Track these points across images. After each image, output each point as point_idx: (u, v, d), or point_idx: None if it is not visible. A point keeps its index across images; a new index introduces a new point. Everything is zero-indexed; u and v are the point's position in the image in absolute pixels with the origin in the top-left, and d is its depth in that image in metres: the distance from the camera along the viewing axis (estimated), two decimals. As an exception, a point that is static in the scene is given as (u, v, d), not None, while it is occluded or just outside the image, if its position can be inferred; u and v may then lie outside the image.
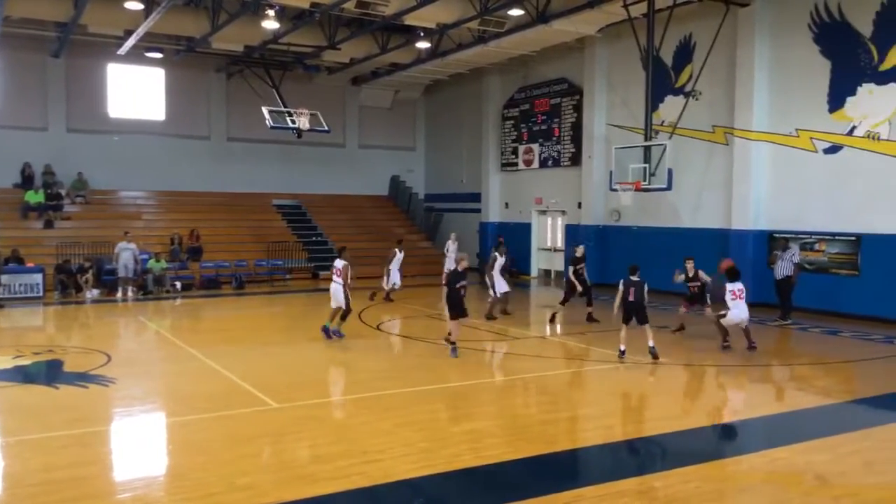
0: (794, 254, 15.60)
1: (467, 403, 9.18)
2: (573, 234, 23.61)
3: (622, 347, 11.71)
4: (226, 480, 6.34)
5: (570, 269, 15.77)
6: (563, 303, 15.65)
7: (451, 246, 22.32)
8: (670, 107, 19.91)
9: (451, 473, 6.63)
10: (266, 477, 6.49)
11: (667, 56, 19.88)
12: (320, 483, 6.31)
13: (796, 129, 17.29)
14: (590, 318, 15.42)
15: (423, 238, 28.86)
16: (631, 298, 11.68)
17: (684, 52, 19.87)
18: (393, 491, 6.24)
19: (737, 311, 12.07)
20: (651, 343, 11.63)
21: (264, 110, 23.40)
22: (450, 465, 6.80)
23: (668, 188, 17.62)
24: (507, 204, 27.17)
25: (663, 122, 19.79)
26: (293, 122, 23.40)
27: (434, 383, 10.13)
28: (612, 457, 7.45)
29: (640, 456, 7.53)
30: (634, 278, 11.82)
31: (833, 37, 16.55)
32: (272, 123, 23.31)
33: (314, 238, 26.46)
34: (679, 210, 20.11)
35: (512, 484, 6.48)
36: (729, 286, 12.05)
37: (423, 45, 22.63)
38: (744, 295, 12.11)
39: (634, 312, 11.73)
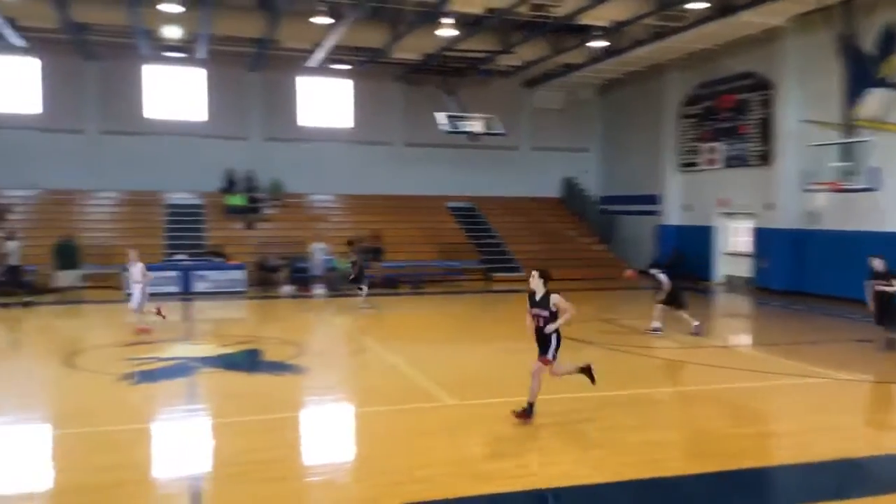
0: None
1: (649, 412, 8.89)
2: (761, 237, 22.18)
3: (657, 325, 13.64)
4: (407, 471, 6.61)
5: (870, 284, 12.54)
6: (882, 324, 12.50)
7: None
8: (872, 100, 18.08)
9: (626, 483, 6.46)
10: (442, 470, 6.67)
11: (868, 45, 18.10)
12: (495, 481, 6.39)
13: None
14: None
15: (596, 241, 28.35)
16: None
17: (888, 41, 17.97)
18: (566, 495, 6.19)
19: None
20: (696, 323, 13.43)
21: (440, 115, 24.05)
22: (623, 474, 6.63)
23: (874, 188, 16.03)
24: (686, 206, 26.00)
25: (863, 116, 18.03)
26: (468, 126, 23.87)
27: (610, 391, 9.91)
28: (807, 478, 6.91)
29: (837, 479, 6.92)
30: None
31: None
32: (448, 128, 23.91)
33: (487, 240, 26.82)
34: (887, 213, 18.18)
35: (693, 499, 6.21)
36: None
37: (596, 44, 22.26)
38: None
39: (676, 298, 13.65)
